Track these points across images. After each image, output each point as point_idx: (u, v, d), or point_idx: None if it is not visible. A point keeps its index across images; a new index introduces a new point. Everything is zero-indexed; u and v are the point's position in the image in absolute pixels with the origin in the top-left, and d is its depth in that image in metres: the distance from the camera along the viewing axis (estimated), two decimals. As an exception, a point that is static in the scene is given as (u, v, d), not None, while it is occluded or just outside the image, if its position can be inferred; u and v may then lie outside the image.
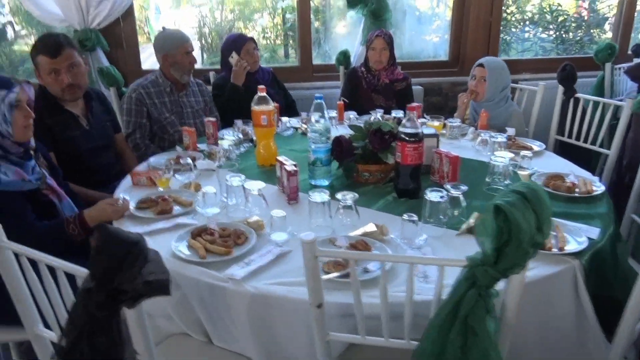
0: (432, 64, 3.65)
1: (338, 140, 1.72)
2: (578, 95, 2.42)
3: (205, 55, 3.97)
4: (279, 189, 1.72)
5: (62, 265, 0.95)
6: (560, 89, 2.47)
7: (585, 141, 2.38)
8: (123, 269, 0.75)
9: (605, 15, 4.41)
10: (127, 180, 1.86)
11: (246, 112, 2.52)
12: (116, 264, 0.75)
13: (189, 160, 1.86)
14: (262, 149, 1.97)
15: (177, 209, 1.58)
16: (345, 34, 3.84)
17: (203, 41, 3.96)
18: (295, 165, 1.62)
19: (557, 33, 4.52)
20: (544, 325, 1.24)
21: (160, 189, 1.74)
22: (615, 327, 1.22)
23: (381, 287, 0.96)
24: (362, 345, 1.09)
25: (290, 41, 4.13)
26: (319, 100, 1.71)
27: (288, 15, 4.31)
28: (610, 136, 2.34)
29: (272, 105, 1.93)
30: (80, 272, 0.89)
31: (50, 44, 1.91)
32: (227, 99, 2.67)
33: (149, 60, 3.28)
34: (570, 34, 4.42)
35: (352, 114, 2.65)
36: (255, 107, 1.91)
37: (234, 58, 2.65)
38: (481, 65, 2.45)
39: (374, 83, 2.93)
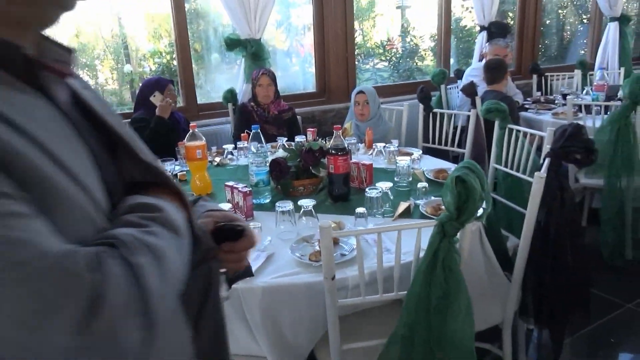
0: (304, 95, 4.13)
1: (275, 162, 2.02)
2: (435, 110, 3.09)
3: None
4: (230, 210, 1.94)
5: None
6: (421, 106, 3.12)
7: (446, 145, 3.05)
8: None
9: (417, 46, 5.43)
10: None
11: (164, 150, 2.67)
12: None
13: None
14: (198, 180, 2.16)
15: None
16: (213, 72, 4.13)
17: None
18: (246, 187, 1.87)
19: (390, 63, 5.42)
20: (465, 270, 1.69)
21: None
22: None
23: (378, 255, 1.30)
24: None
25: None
26: (256, 130, 1.99)
27: (157, 60, 4.45)
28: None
29: (203, 140, 2.14)
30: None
31: None
32: (154, 131, 2.79)
33: None
34: (402, 62, 5.33)
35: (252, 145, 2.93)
36: (189, 143, 2.10)
37: (156, 97, 2.83)
38: (361, 92, 2.97)
39: (264, 115, 3.26)
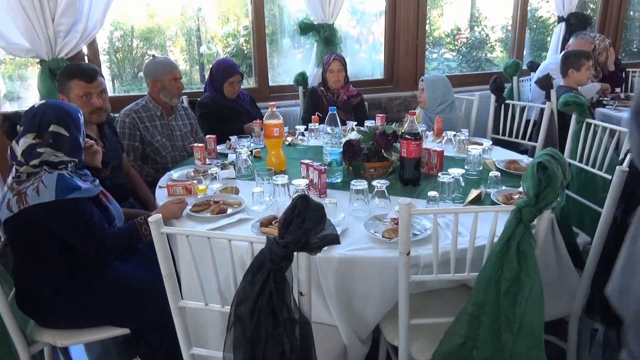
0: (371, 81, 4.16)
1: (349, 143, 2.09)
2: (507, 101, 3.05)
3: (116, 83, 4.03)
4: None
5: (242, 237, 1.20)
6: (493, 97, 3.08)
7: (517, 137, 3.01)
8: (317, 226, 1.05)
9: (488, 36, 5.28)
10: (161, 192, 2.05)
11: (235, 130, 2.82)
12: (313, 224, 1.04)
13: (215, 169, 2.11)
14: (274, 157, 2.27)
15: (229, 209, 1.83)
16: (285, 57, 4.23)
17: (115, 69, 4.01)
18: (322, 165, 1.95)
19: (458, 54, 5.32)
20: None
21: (199, 195, 1.97)
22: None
23: (454, 235, 1.34)
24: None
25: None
26: (333, 112, 2.06)
27: (231, 42, 4.61)
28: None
29: (281, 119, 2.24)
30: (259, 239, 1.16)
31: (86, 70, 2.08)
32: (219, 117, 2.95)
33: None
34: (475, 52, 5.22)
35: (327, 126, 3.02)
36: (268, 121, 2.21)
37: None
38: (422, 80, 2.99)
39: (333, 100, 3.33)
